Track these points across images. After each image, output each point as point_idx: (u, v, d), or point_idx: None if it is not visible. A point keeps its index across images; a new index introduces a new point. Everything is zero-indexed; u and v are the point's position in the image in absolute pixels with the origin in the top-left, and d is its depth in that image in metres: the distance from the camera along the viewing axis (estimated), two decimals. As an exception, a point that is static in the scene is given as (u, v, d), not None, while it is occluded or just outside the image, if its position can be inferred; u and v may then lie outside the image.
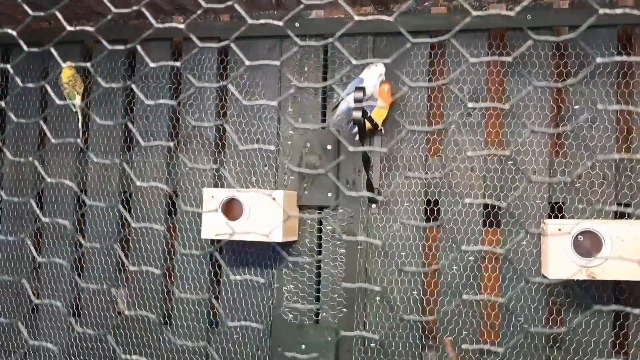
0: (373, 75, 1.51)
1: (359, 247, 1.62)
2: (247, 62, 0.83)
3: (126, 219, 1.80)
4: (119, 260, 1.79)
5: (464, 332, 1.53)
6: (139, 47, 0.84)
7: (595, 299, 1.45)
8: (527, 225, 1.50)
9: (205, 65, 1.74)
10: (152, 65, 0.78)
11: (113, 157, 1.79)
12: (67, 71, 1.75)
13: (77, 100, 1.78)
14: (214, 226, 1.56)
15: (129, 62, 1.83)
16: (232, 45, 0.79)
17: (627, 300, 1.44)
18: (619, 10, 0.87)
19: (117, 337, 1.77)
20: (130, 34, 1.77)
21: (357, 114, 1.31)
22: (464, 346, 1.51)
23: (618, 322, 1.45)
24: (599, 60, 0.76)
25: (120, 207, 0.77)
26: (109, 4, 0.82)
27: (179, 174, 1.76)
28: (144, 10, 0.78)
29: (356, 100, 1.30)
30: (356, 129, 1.43)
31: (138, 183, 0.77)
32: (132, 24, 1.81)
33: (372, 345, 1.59)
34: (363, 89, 1.32)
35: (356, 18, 0.68)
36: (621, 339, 1.46)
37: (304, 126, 0.95)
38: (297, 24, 1.66)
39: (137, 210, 1.77)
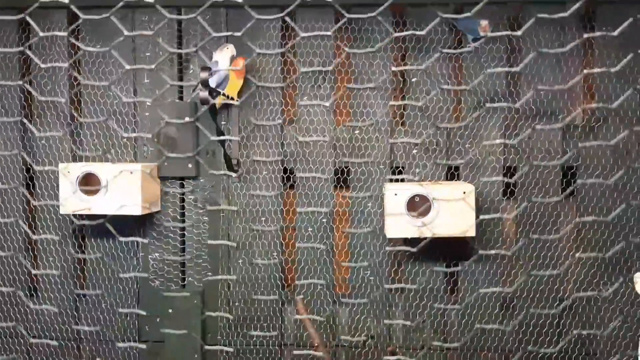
0: (225, 56, 1.54)
1: (221, 214, 1.70)
2: (129, 33, 0.84)
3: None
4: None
5: (319, 287, 1.68)
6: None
7: (429, 253, 1.64)
8: (373, 189, 1.65)
9: (54, 37, 1.68)
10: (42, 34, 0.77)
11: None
12: None
13: None
14: (72, 202, 1.57)
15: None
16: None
17: (456, 253, 1.65)
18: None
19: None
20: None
21: (205, 94, 1.35)
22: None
23: (451, 275, 1.66)
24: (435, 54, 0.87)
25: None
26: None
27: (35, 147, 1.72)
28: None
29: (203, 82, 1.34)
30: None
31: None
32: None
33: (237, 304, 1.71)
34: (209, 69, 1.36)
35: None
36: (452, 285, 1.68)
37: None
38: (148, -5, 1.64)
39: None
